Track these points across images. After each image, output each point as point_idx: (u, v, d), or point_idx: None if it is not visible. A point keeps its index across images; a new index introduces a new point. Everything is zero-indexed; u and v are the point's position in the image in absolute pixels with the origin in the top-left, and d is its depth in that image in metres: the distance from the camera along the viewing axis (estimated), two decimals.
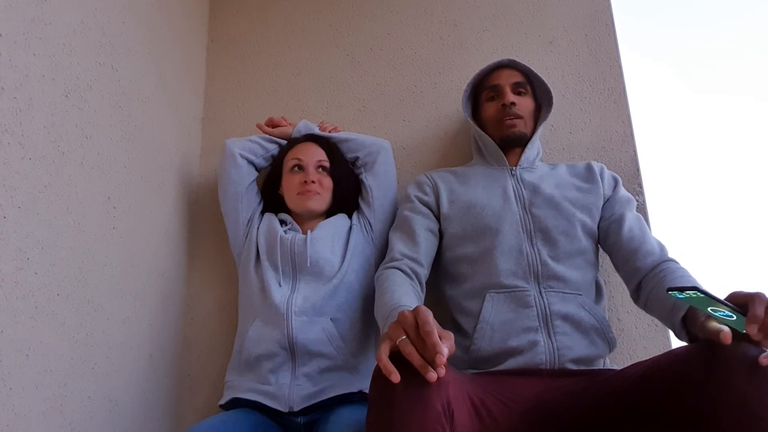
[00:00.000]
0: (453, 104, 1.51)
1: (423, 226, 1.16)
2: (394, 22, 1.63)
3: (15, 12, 0.93)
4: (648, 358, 0.88)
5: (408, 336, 0.74)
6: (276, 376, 1.14)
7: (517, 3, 1.56)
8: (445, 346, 0.72)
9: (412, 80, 1.56)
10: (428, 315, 0.75)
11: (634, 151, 1.37)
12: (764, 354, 0.70)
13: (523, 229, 1.10)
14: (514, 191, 1.16)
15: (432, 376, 0.70)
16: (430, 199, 1.20)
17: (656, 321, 1.25)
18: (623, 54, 1.45)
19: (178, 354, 1.41)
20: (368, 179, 1.32)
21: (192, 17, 1.65)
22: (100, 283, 1.11)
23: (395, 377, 0.71)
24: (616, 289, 1.28)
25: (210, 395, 1.38)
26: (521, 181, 1.17)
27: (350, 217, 1.34)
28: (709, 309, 0.74)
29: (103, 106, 1.16)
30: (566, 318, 1.02)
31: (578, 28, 1.50)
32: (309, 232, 1.25)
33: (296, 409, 1.10)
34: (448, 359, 1.09)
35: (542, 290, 1.05)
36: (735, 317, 0.72)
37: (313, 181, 1.27)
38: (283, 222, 1.31)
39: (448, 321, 1.16)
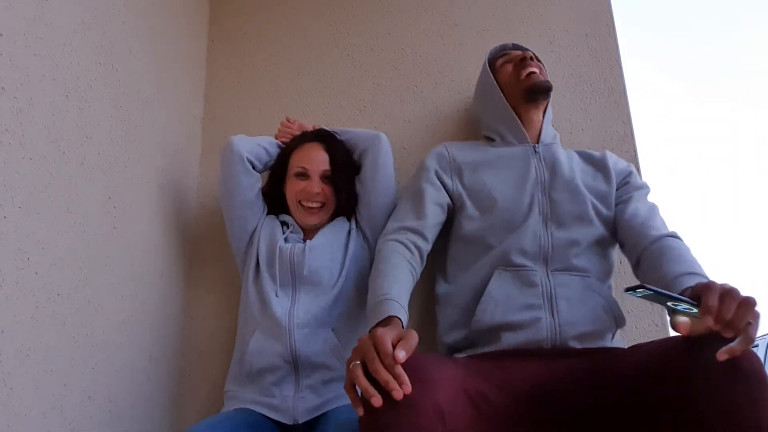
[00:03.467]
0: (453, 104, 1.51)
1: (433, 199, 1.14)
2: (394, 22, 1.63)
3: (15, 12, 0.93)
4: (645, 342, 0.89)
5: (366, 359, 0.75)
6: (279, 389, 1.13)
7: (517, 3, 1.56)
8: (402, 350, 0.74)
9: (412, 80, 1.56)
10: (385, 338, 0.76)
11: (635, 151, 1.37)
12: (721, 350, 0.69)
13: (539, 211, 1.10)
14: (536, 171, 1.14)
15: (375, 400, 0.71)
16: (446, 174, 1.18)
17: (656, 321, 1.26)
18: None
19: (178, 354, 1.40)
20: (363, 173, 1.28)
21: (192, 17, 1.65)
22: (100, 283, 1.11)
23: (360, 411, 0.74)
24: (617, 289, 1.28)
25: (210, 395, 1.38)
26: (543, 159, 1.16)
27: (349, 219, 1.32)
28: (668, 304, 0.75)
29: (103, 106, 1.16)
30: (570, 299, 1.02)
31: (578, 28, 1.50)
32: (308, 241, 1.23)
33: (300, 421, 1.09)
34: (444, 340, 1.10)
35: (549, 272, 1.05)
36: (695, 310, 0.73)
37: (317, 192, 1.24)
38: (284, 224, 1.29)
39: (444, 295, 1.15)
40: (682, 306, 0.74)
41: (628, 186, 1.16)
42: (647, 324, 1.26)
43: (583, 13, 1.51)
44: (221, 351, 1.40)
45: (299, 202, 1.25)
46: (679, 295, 0.76)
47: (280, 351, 1.12)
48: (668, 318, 0.90)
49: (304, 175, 1.25)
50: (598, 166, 1.18)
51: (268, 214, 1.33)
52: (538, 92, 1.17)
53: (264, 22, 1.72)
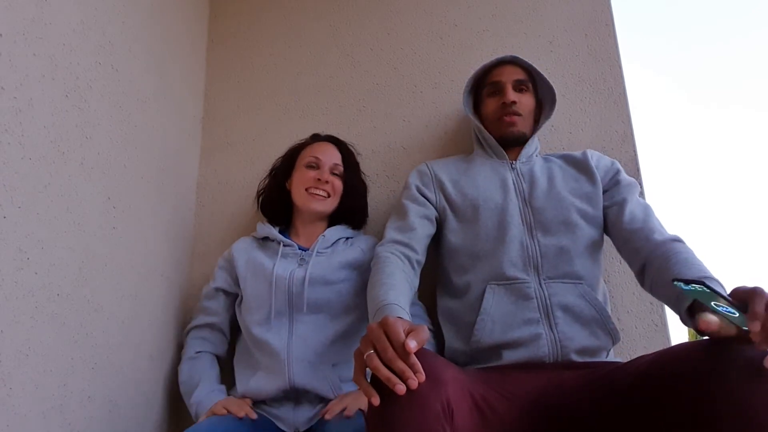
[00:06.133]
0: (453, 104, 1.51)
1: (418, 213, 1.17)
2: (394, 22, 1.63)
3: (15, 12, 0.93)
4: (649, 353, 0.87)
5: (378, 348, 0.74)
6: (279, 404, 1.14)
7: (517, 3, 1.56)
8: (414, 340, 0.72)
9: (412, 80, 1.56)
10: (397, 326, 0.74)
11: (634, 151, 1.37)
12: None
13: (523, 221, 1.11)
14: (513, 183, 1.16)
15: (400, 388, 0.69)
16: (428, 189, 1.20)
17: (656, 321, 1.26)
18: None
19: (178, 354, 1.40)
20: None
21: (192, 17, 1.65)
22: (100, 283, 1.11)
23: (375, 400, 0.72)
24: (616, 289, 1.28)
25: None
26: (520, 174, 1.18)
27: (354, 228, 1.33)
28: (712, 303, 0.72)
29: (103, 106, 1.16)
30: (567, 309, 1.02)
31: (578, 28, 1.50)
32: (307, 266, 1.19)
33: (302, 430, 1.10)
34: (447, 355, 1.10)
35: (542, 281, 1.05)
36: (737, 314, 0.71)
37: (326, 181, 1.26)
38: (268, 240, 1.28)
39: (444, 314, 1.15)
40: (723, 308, 0.72)
41: (618, 186, 1.15)
42: (647, 324, 1.26)
43: (582, 14, 1.51)
44: None
45: (307, 189, 1.26)
46: (728, 296, 0.73)
47: (281, 385, 1.11)
48: (687, 317, 0.88)
49: (315, 165, 1.28)
50: (581, 167, 1.18)
51: (266, 217, 1.34)
52: (510, 143, 1.21)
53: (264, 23, 1.72)
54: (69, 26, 1.07)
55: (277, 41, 1.69)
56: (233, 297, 1.28)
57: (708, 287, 0.70)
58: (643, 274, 1.03)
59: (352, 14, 1.67)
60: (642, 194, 1.31)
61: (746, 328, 0.70)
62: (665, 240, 1.01)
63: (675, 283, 0.72)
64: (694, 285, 0.71)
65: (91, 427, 1.04)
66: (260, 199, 1.38)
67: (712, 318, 0.71)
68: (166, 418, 1.32)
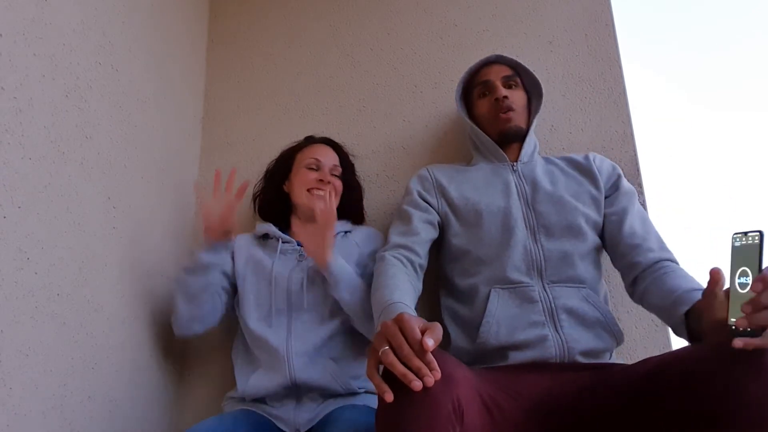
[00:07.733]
0: (453, 104, 1.51)
1: (421, 218, 1.17)
2: (394, 22, 1.63)
3: (15, 12, 0.93)
4: (655, 355, 0.87)
5: (391, 345, 0.73)
6: (281, 403, 1.14)
7: (517, 3, 1.56)
8: (431, 338, 0.72)
9: (412, 80, 1.56)
10: (413, 323, 0.74)
11: (634, 151, 1.37)
12: (739, 338, 0.69)
13: (526, 225, 1.11)
14: (516, 187, 1.16)
15: (416, 384, 0.69)
16: (430, 194, 1.20)
17: (657, 321, 1.25)
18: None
19: (178, 354, 1.40)
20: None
21: (192, 17, 1.65)
22: (100, 283, 1.11)
23: (389, 396, 0.71)
24: (617, 289, 1.28)
25: (210, 395, 1.38)
26: (522, 176, 1.18)
27: (355, 223, 1.34)
28: (743, 268, 0.71)
29: (103, 106, 1.16)
30: (571, 312, 1.02)
31: (578, 28, 1.50)
32: (306, 264, 1.20)
33: (303, 430, 1.10)
34: (452, 353, 1.10)
35: (545, 285, 1.05)
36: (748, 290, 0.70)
37: (328, 182, 1.28)
38: (267, 237, 1.29)
39: (448, 314, 1.16)
40: (744, 279, 0.71)
41: (618, 193, 1.15)
42: (647, 324, 1.26)
43: (582, 14, 1.51)
44: (221, 351, 1.39)
45: (309, 190, 1.28)
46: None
47: (281, 381, 1.12)
48: (682, 323, 0.89)
49: (315, 167, 1.30)
50: (584, 170, 1.18)
51: (264, 220, 1.34)
52: (509, 138, 1.21)
53: (264, 23, 1.72)
54: (69, 26, 1.07)
55: (277, 41, 1.69)
56: (234, 287, 1.27)
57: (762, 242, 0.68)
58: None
59: (352, 14, 1.67)
60: (642, 194, 1.31)
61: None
62: (660, 259, 1.03)
63: (734, 235, 0.71)
64: (752, 235, 0.68)
65: (91, 427, 1.04)
66: (256, 201, 1.38)
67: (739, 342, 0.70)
68: (166, 418, 1.32)
